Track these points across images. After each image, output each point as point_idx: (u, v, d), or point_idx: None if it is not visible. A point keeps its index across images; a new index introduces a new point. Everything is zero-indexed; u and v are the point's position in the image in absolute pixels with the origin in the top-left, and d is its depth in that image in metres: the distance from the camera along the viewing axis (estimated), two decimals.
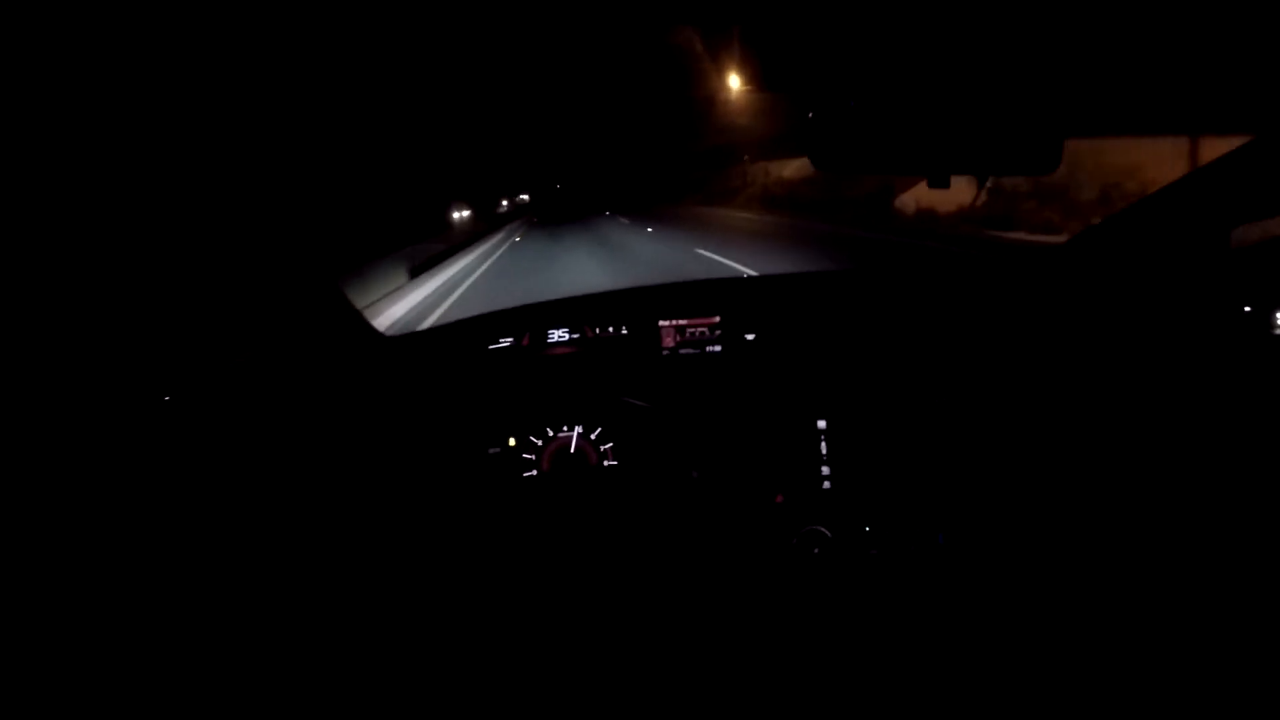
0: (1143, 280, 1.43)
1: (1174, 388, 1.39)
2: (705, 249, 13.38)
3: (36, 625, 0.94)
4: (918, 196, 14.93)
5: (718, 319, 1.64)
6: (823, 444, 1.51)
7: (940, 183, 1.19)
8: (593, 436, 1.55)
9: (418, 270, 12.60)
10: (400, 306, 10.20)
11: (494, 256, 17.20)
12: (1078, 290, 1.52)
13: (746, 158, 27.54)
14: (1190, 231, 1.34)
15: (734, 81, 19.05)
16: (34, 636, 0.94)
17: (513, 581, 1.47)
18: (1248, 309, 1.35)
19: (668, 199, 35.85)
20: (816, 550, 1.46)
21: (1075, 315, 1.52)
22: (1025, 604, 1.40)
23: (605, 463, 1.55)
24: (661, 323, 1.65)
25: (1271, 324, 1.34)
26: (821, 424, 1.51)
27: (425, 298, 11.14)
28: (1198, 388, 1.37)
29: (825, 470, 1.51)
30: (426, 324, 10.11)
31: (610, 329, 1.66)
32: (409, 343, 1.61)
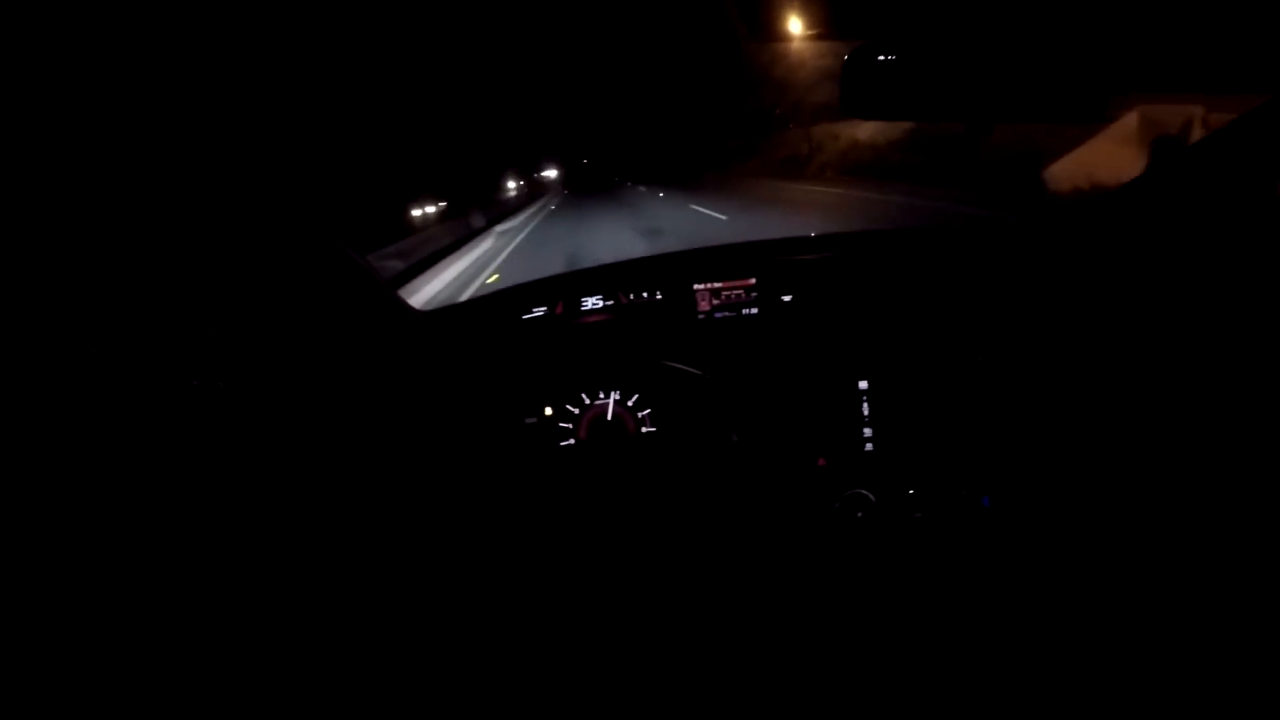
0: (1191, 235, 1.37)
1: (1225, 346, 1.32)
2: None
3: (44, 617, 0.93)
4: (1080, 166, 8.27)
5: (754, 281, 1.61)
6: (865, 405, 1.47)
7: (982, 130, 1.14)
8: (630, 403, 1.54)
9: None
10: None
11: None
12: (1123, 247, 1.46)
13: (794, 125, 24.34)
14: (1239, 183, 1.26)
15: (794, 26, 16.10)
16: (40, 629, 0.92)
17: (553, 550, 1.47)
18: None
19: (712, 169, 30.54)
20: (860, 514, 1.43)
21: (1122, 273, 1.45)
22: (1070, 567, 1.36)
23: (643, 429, 1.54)
24: (696, 286, 1.62)
25: None
26: (863, 385, 1.48)
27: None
28: (1247, 345, 1.31)
29: (868, 432, 1.47)
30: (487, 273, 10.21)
31: (645, 294, 1.64)
32: (442, 317, 1.61)
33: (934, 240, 1.64)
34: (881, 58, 1.12)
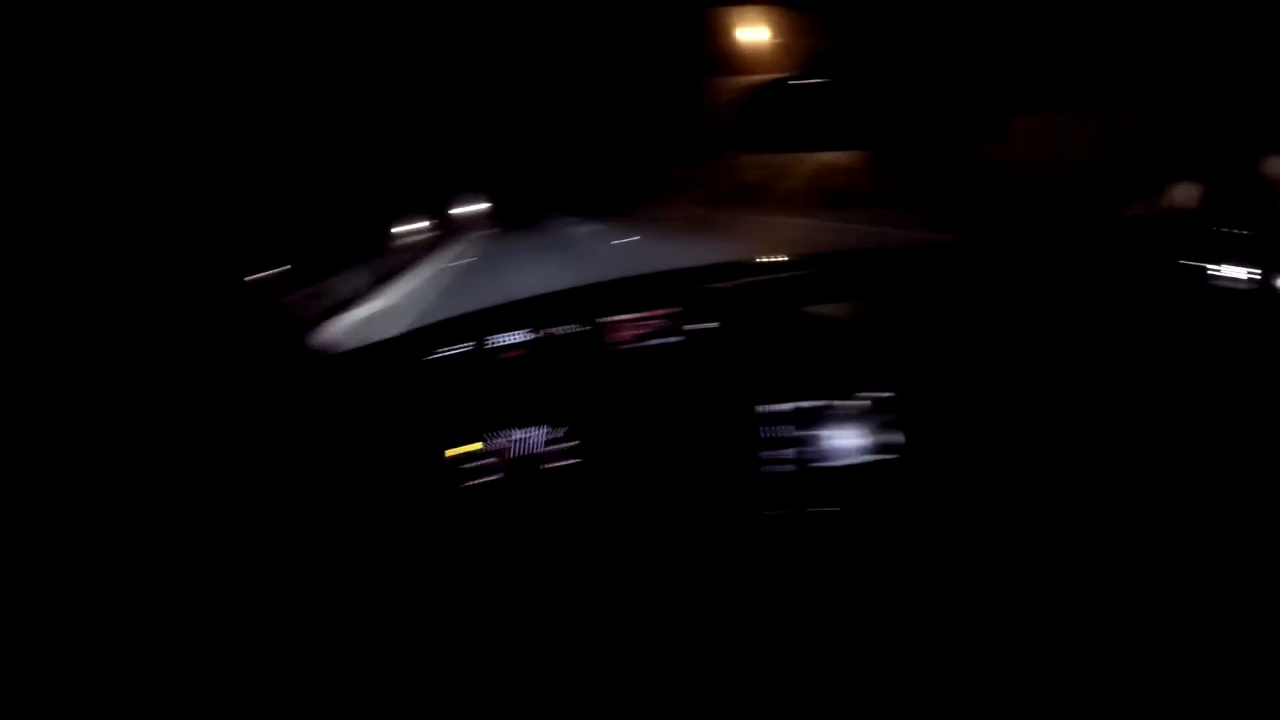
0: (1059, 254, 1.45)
1: (1120, 349, 1.39)
2: None
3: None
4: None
5: (671, 309, 1.61)
6: (778, 428, 1.48)
7: (888, 160, 1.17)
8: (550, 437, 1.52)
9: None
10: None
11: None
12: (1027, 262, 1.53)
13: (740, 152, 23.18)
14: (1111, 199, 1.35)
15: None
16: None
17: (479, 587, 1.43)
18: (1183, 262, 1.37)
19: (650, 201, 25.97)
20: (780, 531, 1.44)
21: (1026, 284, 1.52)
22: (1003, 580, 1.39)
23: (563, 462, 1.51)
24: (613, 317, 1.61)
25: (1209, 274, 1.36)
26: (776, 408, 1.49)
27: None
28: (1149, 346, 1.38)
29: (782, 454, 1.48)
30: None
31: (564, 327, 1.62)
32: (354, 359, 1.55)
33: (844, 265, 1.68)
34: (792, 91, 1.14)
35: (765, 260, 1.76)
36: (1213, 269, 1.36)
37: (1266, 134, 1.26)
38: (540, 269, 12.29)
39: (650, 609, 1.42)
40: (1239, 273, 1.35)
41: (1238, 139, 1.28)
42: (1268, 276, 1.33)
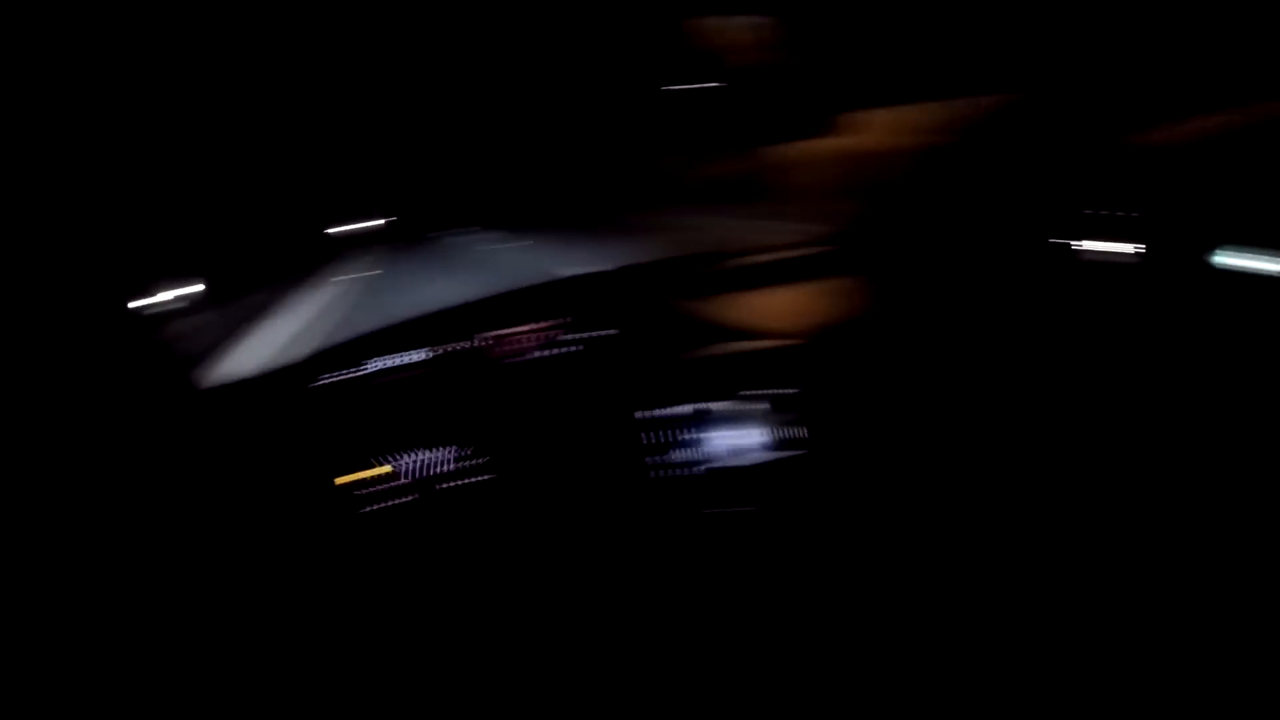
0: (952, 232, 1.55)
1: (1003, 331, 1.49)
2: None
3: None
4: None
5: (559, 319, 1.64)
6: (675, 430, 1.54)
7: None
8: (457, 454, 1.52)
9: None
10: None
11: None
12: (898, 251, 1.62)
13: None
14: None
15: None
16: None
17: (388, 613, 1.42)
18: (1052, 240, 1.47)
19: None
20: (693, 528, 1.49)
21: (900, 274, 1.61)
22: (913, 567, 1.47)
23: (475, 479, 1.52)
24: (503, 330, 1.63)
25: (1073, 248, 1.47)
26: (683, 409, 1.54)
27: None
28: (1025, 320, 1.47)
29: (686, 454, 1.53)
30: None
31: (458, 344, 1.62)
32: (239, 391, 1.52)
33: (728, 265, 1.74)
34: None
35: (652, 261, 1.80)
36: (1081, 246, 1.45)
37: (1127, 114, 1.34)
38: (436, 284, 12.53)
39: (562, 619, 1.44)
40: (1109, 248, 1.45)
41: (1099, 120, 1.36)
42: (1139, 252, 1.43)
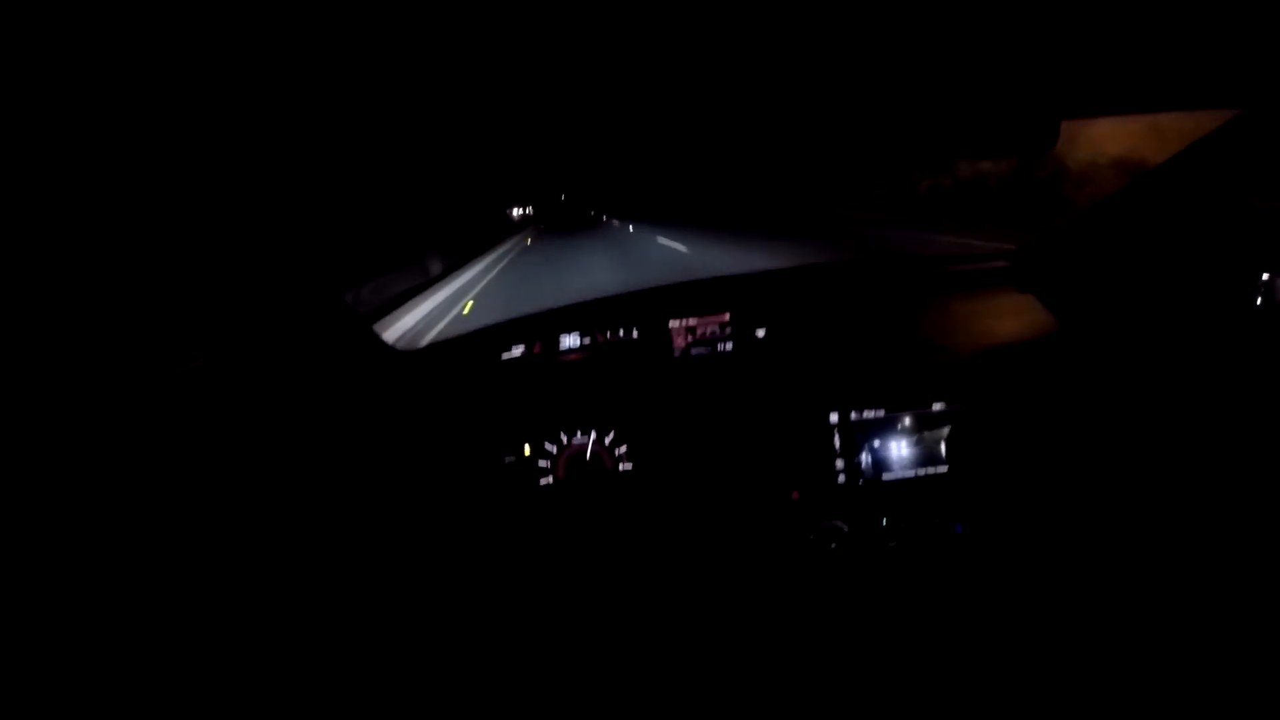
0: (1152, 257, 1.43)
1: (1192, 368, 1.38)
2: None
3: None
4: None
5: (727, 316, 1.64)
6: (836, 438, 1.50)
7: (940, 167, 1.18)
8: (607, 441, 1.56)
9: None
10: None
11: None
12: (1081, 273, 1.52)
13: None
14: (1195, 203, 1.34)
15: None
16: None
17: (533, 589, 1.47)
18: (1265, 276, 1.36)
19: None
20: (834, 545, 1.45)
21: (1082, 297, 1.51)
22: (1044, 594, 1.39)
23: (620, 467, 1.55)
24: (672, 323, 1.65)
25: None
26: (834, 418, 1.51)
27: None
28: (1214, 366, 1.37)
29: (840, 464, 1.50)
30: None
31: (621, 332, 1.66)
32: (420, 357, 1.62)
33: (898, 271, 1.69)
34: None
35: (810, 265, 1.77)
36: None
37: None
38: (591, 270, 13.22)
39: (702, 614, 1.45)
40: None
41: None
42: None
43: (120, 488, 1.03)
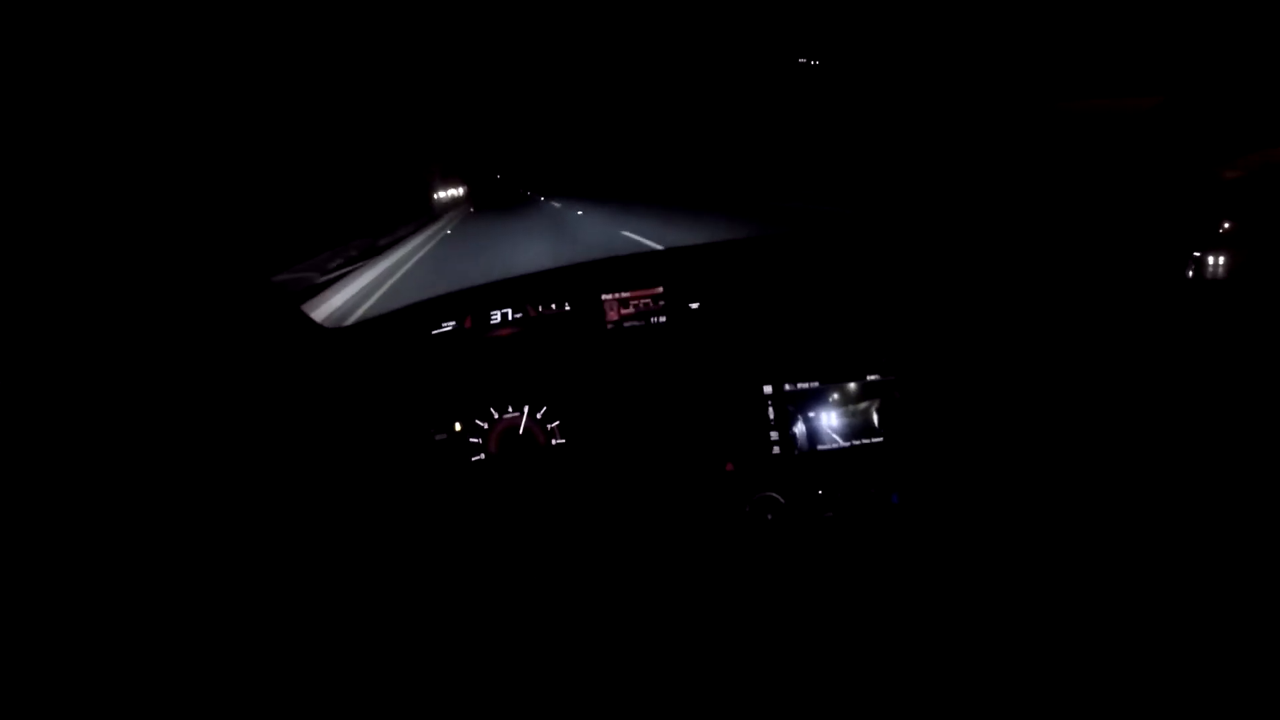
0: (1087, 230, 1.49)
1: (1123, 338, 1.44)
2: None
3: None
4: None
5: (660, 289, 1.63)
6: (770, 410, 1.51)
7: None
8: (539, 416, 1.53)
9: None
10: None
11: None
12: (1012, 241, 1.56)
13: None
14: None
15: None
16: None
17: (467, 565, 1.44)
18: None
19: None
20: (770, 516, 1.46)
21: (1013, 266, 1.55)
22: (978, 562, 1.44)
23: (553, 441, 1.53)
24: (605, 296, 1.62)
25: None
26: (768, 389, 1.51)
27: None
28: (1145, 337, 1.43)
29: (774, 435, 1.51)
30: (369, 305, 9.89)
31: (553, 306, 1.63)
32: (349, 333, 1.55)
33: (828, 242, 1.70)
34: None
35: (743, 239, 1.77)
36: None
37: None
38: (520, 247, 13.05)
39: (638, 586, 1.45)
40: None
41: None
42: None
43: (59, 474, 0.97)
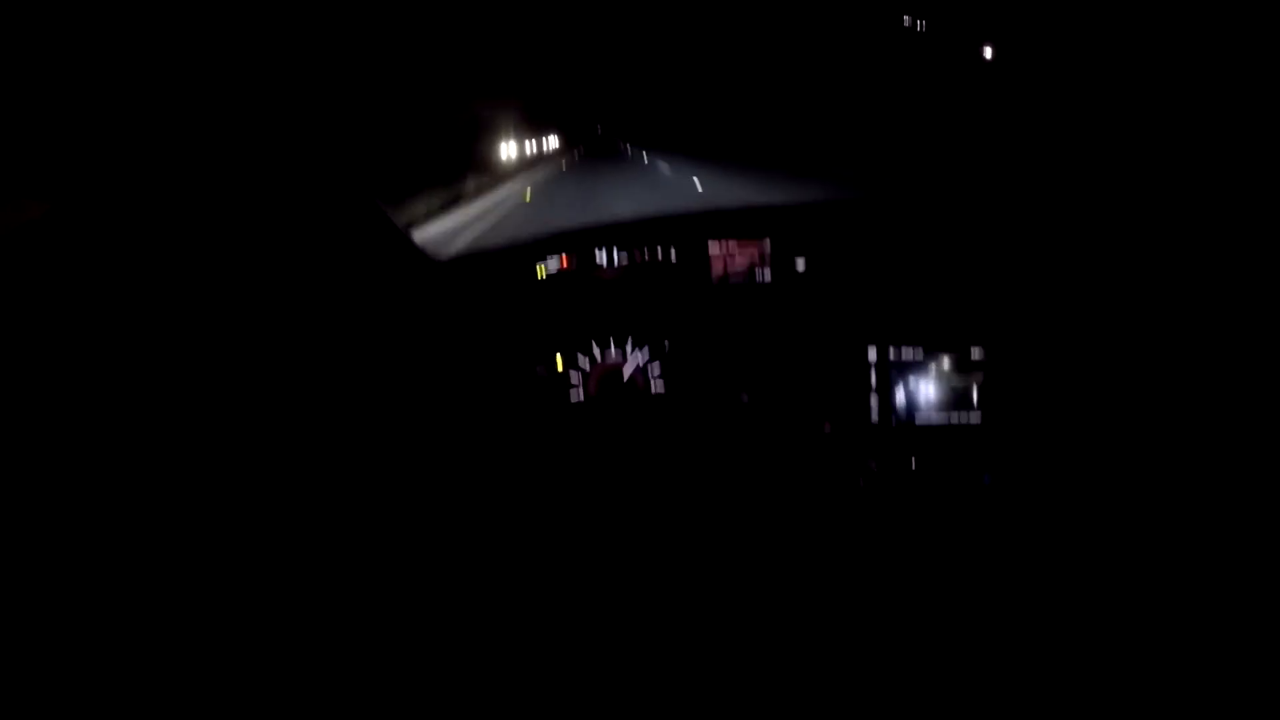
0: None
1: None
2: None
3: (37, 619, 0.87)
4: None
5: (768, 243, 1.61)
6: (872, 374, 1.49)
7: None
8: (640, 362, 1.55)
9: None
10: None
11: None
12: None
13: None
14: None
15: None
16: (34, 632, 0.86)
17: (559, 505, 1.48)
18: None
19: None
20: (862, 482, 1.45)
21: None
22: (1069, 551, 1.38)
23: (653, 389, 1.55)
24: (711, 247, 1.61)
25: None
26: (872, 354, 1.49)
27: None
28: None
29: (874, 401, 1.49)
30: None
31: (659, 253, 1.63)
32: (456, 265, 1.60)
33: (941, 207, 1.63)
34: None
35: (853, 199, 1.72)
36: None
37: None
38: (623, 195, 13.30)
39: (724, 540, 1.46)
40: None
41: None
42: None
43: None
